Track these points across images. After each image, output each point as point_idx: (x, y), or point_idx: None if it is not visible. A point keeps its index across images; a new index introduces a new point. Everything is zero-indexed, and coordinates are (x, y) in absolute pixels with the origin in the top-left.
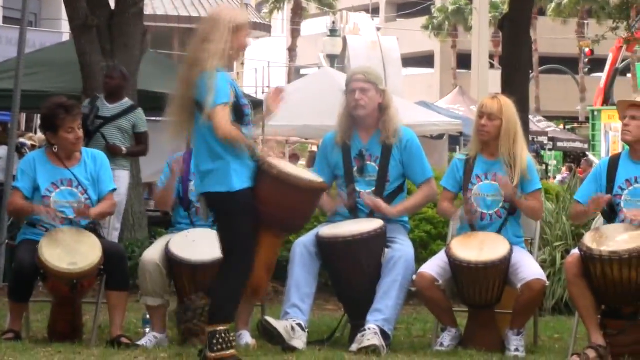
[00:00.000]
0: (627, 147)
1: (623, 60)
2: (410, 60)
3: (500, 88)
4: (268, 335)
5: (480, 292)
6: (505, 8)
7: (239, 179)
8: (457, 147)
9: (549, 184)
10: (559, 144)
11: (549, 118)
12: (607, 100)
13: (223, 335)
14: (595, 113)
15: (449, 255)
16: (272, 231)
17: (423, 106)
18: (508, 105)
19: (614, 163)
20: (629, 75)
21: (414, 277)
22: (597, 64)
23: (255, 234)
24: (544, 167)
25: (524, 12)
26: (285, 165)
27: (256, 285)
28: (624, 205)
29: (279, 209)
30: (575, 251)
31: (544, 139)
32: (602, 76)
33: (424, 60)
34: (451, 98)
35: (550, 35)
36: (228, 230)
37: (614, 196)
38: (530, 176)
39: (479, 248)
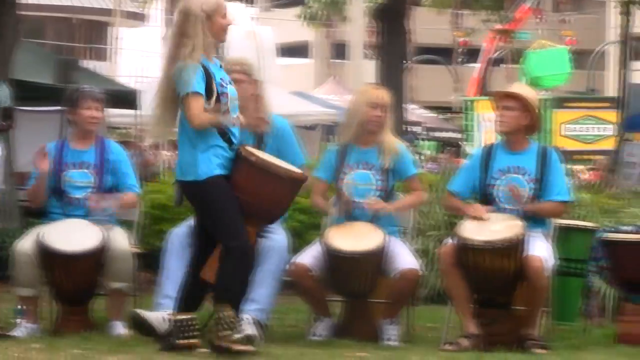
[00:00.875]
0: (500, 137)
1: (497, 51)
2: (286, 50)
3: (375, 78)
4: (139, 328)
5: (355, 282)
6: None
7: (207, 167)
8: (332, 136)
9: (423, 174)
10: (434, 134)
11: (424, 107)
12: (481, 90)
13: (229, 320)
14: (469, 103)
15: (324, 245)
16: (248, 220)
17: (299, 96)
18: (390, 95)
19: (488, 153)
20: (503, 65)
21: (289, 266)
22: (471, 54)
23: (238, 214)
24: (417, 156)
25: (399, 2)
26: (264, 155)
27: (209, 265)
28: (500, 195)
29: (256, 198)
30: (450, 240)
31: (419, 129)
32: (477, 66)
33: (300, 50)
34: (327, 88)
35: (426, 25)
36: (205, 220)
37: (488, 186)
38: (405, 161)
39: (354, 238)
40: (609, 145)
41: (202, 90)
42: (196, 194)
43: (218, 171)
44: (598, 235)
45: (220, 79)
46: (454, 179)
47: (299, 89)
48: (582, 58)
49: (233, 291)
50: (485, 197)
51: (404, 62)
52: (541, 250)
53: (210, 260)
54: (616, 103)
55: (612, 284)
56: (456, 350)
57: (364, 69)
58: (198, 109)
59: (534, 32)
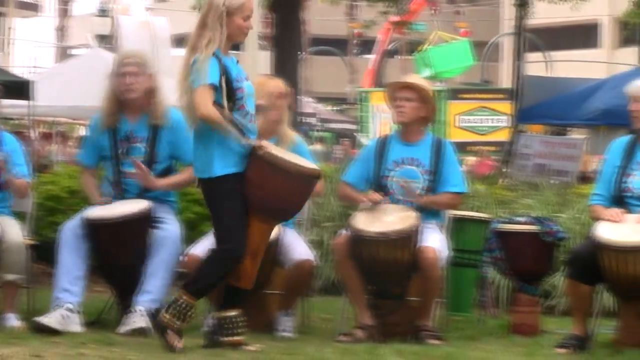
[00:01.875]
0: (395, 128)
1: (392, 42)
2: (181, 41)
3: (270, 69)
4: (43, 331)
5: None
6: None
7: (221, 165)
8: None
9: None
10: (328, 125)
11: (319, 99)
12: (376, 81)
13: (184, 305)
14: (365, 94)
15: None
16: (260, 217)
17: None
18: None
19: (383, 144)
20: (397, 57)
21: (182, 258)
22: (366, 45)
23: (243, 221)
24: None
25: None
26: (277, 150)
27: (242, 271)
28: (395, 186)
29: (268, 194)
30: (344, 232)
31: (314, 120)
32: (372, 58)
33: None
34: None
35: (321, 16)
36: (215, 216)
37: (382, 177)
38: (303, 154)
39: None
40: (503, 136)
41: (216, 83)
42: (209, 191)
43: (233, 169)
44: (492, 226)
45: (237, 74)
46: (348, 170)
47: None
48: (476, 49)
49: (200, 287)
50: (380, 189)
51: (299, 53)
52: (435, 241)
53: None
54: (510, 95)
55: (506, 274)
56: (351, 342)
57: (259, 60)
58: (206, 98)
59: (429, 24)
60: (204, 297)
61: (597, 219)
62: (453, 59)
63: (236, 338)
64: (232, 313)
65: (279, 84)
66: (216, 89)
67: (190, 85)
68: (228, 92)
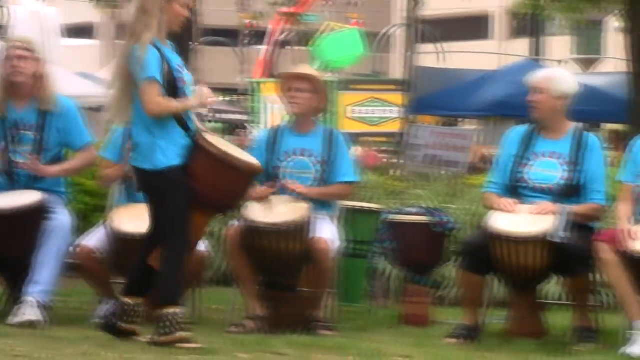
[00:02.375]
0: (287, 119)
1: (284, 33)
2: (71, 31)
3: None
4: None
5: None
6: None
7: (165, 157)
8: None
9: None
10: (220, 116)
11: (212, 89)
12: (267, 72)
13: (171, 318)
14: (256, 85)
15: (109, 226)
16: (202, 210)
17: (83, 77)
18: None
19: (274, 135)
20: (289, 47)
21: (73, 248)
22: (258, 36)
23: (188, 212)
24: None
25: None
26: (222, 144)
27: None
28: (287, 177)
29: (212, 188)
30: (236, 223)
31: (204, 111)
32: (263, 48)
33: (85, 30)
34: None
35: (212, 7)
36: (157, 209)
37: (274, 168)
38: None
39: (139, 219)
40: (395, 127)
41: (159, 76)
42: (151, 183)
43: (177, 161)
44: (383, 217)
45: (177, 64)
46: None
47: (85, 70)
48: (368, 40)
49: (174, 292)
50: (272, 179)
51: (190, 43)
52: (327, 232)
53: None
54: (402, 86)
55: (396, 265)
56: (242, 332)
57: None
58: (155, 95)
59: (321, 15)
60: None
61: (489, 207)
62: (343, 48)
63: (133, 326)
64: (136, 301)
65: None
66: (157, 81)
67: (131, 74)
68: (169, 82)
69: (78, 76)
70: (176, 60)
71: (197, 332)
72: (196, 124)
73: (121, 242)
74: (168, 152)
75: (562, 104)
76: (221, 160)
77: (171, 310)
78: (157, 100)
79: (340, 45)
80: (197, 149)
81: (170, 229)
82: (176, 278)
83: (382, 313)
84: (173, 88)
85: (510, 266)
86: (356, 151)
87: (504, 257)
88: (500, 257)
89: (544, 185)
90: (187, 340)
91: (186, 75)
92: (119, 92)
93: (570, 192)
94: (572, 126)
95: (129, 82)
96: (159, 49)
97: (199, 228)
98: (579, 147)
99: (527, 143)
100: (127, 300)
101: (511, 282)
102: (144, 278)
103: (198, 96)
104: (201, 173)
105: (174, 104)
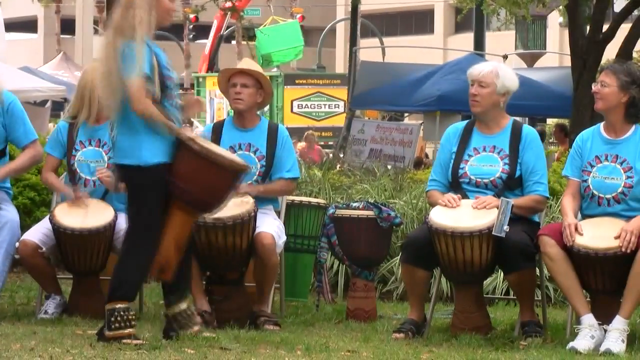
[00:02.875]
0: (232, 114)
1: (228, 28)
2: (14, 25)
3: None
4: None
5: (84, 259)
6: None
7: (151, 153)
8: (61, 112)
9: None
10: None
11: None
12: (212, 67)
13: (122, 313)
14: (200, 80)
15: (53, 222)
16: (186, 209)
17: (26, 72)
18: None
19: (218, 129)
20: (233, 42)
21: (18, 244)
22: (201, 30)
23: (162, 212)
24: None
25: None
26: (207, 143)
27: (165, 263)
28: None
29: (197, 187)
30: None
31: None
32: (207, 43)
33: (27, 25)
34: (55, 64)
35: None
36: (134, 205)
37: None
38: None
39: (84, 215)
40: (339, 122)
41: (149, 72)
42: (134, 178)
43: (162, 158)
44: (329, 211)
45: (165, 62)
46: None
47: (27, 65)
48: (312, 35)
49: (129, 288)
50: None
51: None
52: (271, 227)
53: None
54: (346, 80)
55: (342, 260)
56: None
57: (94, 45)
58: (142, 92)
59: (264, 9)
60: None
61: (434, 204)
62: (282, 41)
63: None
64: (183, 306)
65: None
66: (148, 78)
67: (119, 71)
68: (159, 80)
69: (20, 71)
70: (164, 58)
71: (144, 327)
72: (180, 121)
73: (65, 237)
74: (154, 149)
75: (504, 99)
76: (205, 157)
77: (122, 305)
78: (144, 101)
79: (279, 38)
80: (181, 147)
81: (143, 226)
82: (134, 275)
83: (328, 308)
84: (161, 86)
85: (454, 261)
86: (299, 146)
87: (448, 252)
88: (444, 252)
89: (485, 180)
90: (135, 337)
91: (173, 74)
92: (111, 89)
93: (511, 185)
94: (509, 120)
95: (116, 74)
96: (149, 46)
97: (184, 227)
98: (517, 140)
99: (466, 139)
100: (176, 310)
101: (454, 276)
102: (176, 283)
103: (185, 128)
104: (185, 171)
105: (160, 116)
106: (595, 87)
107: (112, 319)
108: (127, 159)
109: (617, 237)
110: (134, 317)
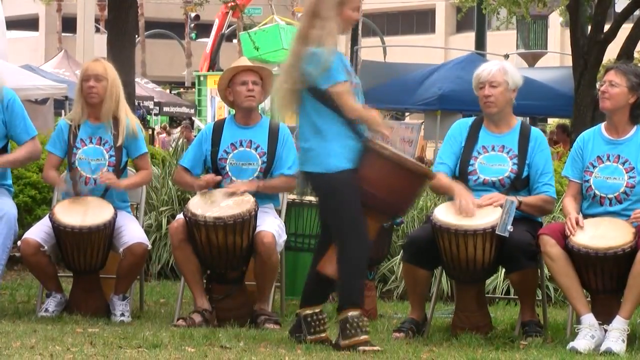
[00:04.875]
0: (232, 112)
1: (229, 26)
2: (15, 23)
3: (106, 52)
4: None
5: (84, 257)
6: None
7: (337, 160)
8: (62, 111)
9: (155, 149)
10: (166, 109)
11: (156, 83)
12: (213, 65)
13: (355, 320)
14: (202, 78)
15: (53, 220)
16: (373, 214)
17: (28, 70)
18: (111, 67)
19: (219, 128)
20: (235, 41)
21: (20, 243)
22: (203, 29)
23: (362, 214)
24: (150, 132)
25: None
26: (395, 148)
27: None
28: (232, 168)
29: (384, 191)
30: (180, 216)
31: (150, 104)
32: (208, 41)
33: (29, 23)
34: (56, 62)
35: (158, 0)
36: (331, 213)
37: (219, 160)
38: (137, 140)
39: (83, 213)
40: None
41: (347, 79)
42: (323, 186)
43: (348, 165)
44: None
45: (350, 68)
46: (185, 154)
47: (28, 63)
48: None
49: (355, 294)
50: (217, 172)
51: (135, 36)
52: (272, 225)
53: (329, 253)
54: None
55: None
56: (189, 326)
57: (95, 43)
58: (353, 98)
59: (266, 8)
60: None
61: (437, 187)
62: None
63: (321, 335)
64: (315, 310)
65: (95, 65)
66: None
67: (303, 77)
68: None
69: (22, 69)
70: (348, 65)
71: (145, 326)
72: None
73: (65, 235)
74: (340, 156)
75: (514, 95)
76: (396, 163)
77: (353, 312)
78: (355, 103)
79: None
80: (370, 153)
81: (344, 231)
82: (355, 280)
83: (328, 306)
84: None
85: (457, 259)
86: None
87: (451, 250)
88: (447, 250)
89: (493, 179)
90: (369, 343)
91: (355, 80)
92: (286, 93)
93: (517, 185)
94: (518, 120)
95: (299, 84)
96: (339, 57)
97: (369, 233)
98: (525, 141)
99: (474, 136)
100: (308, 311)
101: (456, 275)
102: (319, 286)
103: (383, 121)
104: (375, 176)
105: (367, 113)
106: (603, 87)
107: (347, 326)
108: (313, 166)
109: (619, 237)
110: (366, 323)
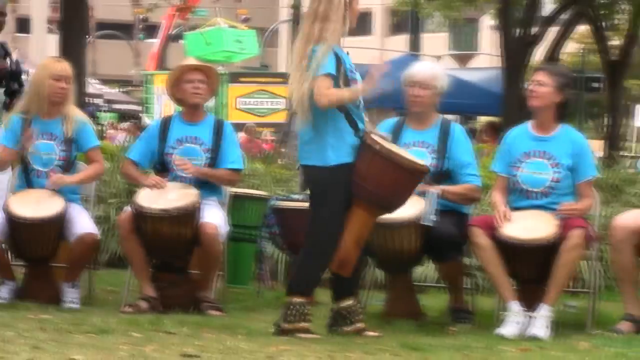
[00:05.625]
0: (178, 110)
1: (176, 27)
2: None
3: (58, 52)
4: None
5: (36, 247)
6: None
7: (336, 154)
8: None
9: (105, 144)
10: (115, 106)
11: (106, 81)
12: (160, 65)
13: (298, 307)
14: (149, 77)
15: (7, 212)
16: (367, 207)
17: None
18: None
19: (166, 124)
20: (181, 41)
21: None
22: (151, 30)
23: (345, 213)
24: (100, 128)
25: None
26: (389, 144)
27: (344, 258)
28: (175, 164)
29: (378, 186)
30: (128, 208)
31: (100, 101)
32: (156, 42)
33: None
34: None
35: (107, 2)
36: (318, 204)
37: (165, 154)
38: (87, 134)
39: (35, 204)
40: (281, 118)
41: (334, 72)
42: (320, 179)
43: (347, 159)
44: (270, 203)
45: (350, 65)
46: (133, 147)
47: None
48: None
49: (307, 283)
50: (163, 166)
51: (86, 36)
52: (215, 217)
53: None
54: (287, 79)
55: (283, 249)
56: (135, 312)
57: (47, 43)
58: (326, 87)
59: (211, 10)
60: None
61: None
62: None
63: (358, 325)
64: (349, 302)
65: (64, 66)
66: (334, 78)
67: (309, 75)
68: (344, 82)
69: None
70: (349, 62)
71: (94, 312)
72: (366, 123)
73: (18, 226)
74: (338, 150)
75: (439, 99)
76: (388, 158)
77: (299, 299)
78: (326, 92)
79: (203, 44)
80: (365, 148)
81: (324, 228)
82: (315, 273)
83: (269, 294)
84: (346, 87)
85: (385, 250)
86: (240, 136)
87: (379, 242)
88: (376, 243)
89: None
90: (308, 331)
91: (358, 77)
92: (303, 94)
93: (439, 179)
94: (439, 117)
95: (307, 84)
96: (335, 52)
97: (365, 225)
98: (445, 136)
99: (397, 134)
100: (342, 304)
101: (387, 266)
102: (343, 281)
103: (367, 80)
104: (369, 171)
105: (344, 92)
106: (531, 86)
107: (289, 312)
108: (312, 160)
109: (544, 229)
110: (309, 312)
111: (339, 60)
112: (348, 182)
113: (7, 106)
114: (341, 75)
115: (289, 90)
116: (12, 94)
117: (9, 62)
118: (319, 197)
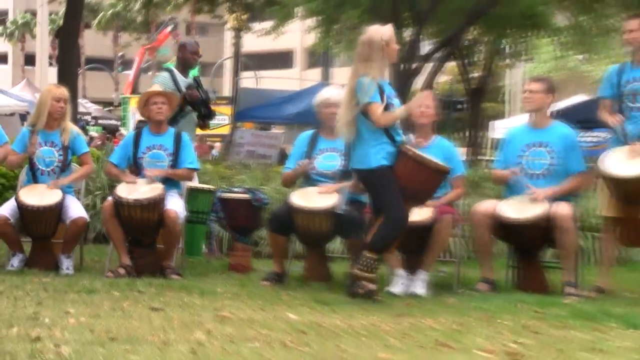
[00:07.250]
0: (149, 124)
1: (146, 62)
2: None
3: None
4: None
5: (40, 227)
6: (60, 23)
7: (375, 159)
8: (24, 122)
9: (92, 149)
10: (100, 121)
11: (93, 102)
12: (134, 90)
13: (370, 261)
14: (126, 99)
15: (18, 201)
16: (405, 202)
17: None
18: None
19: (138, 135)
20: (149, 72)
21: None
22: (127, 63)
23: (400, 195)
24: (88, 137)
25: (73, 26)
26: (419, 152)
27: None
28: (147, 165)
29: (411, 184)
30: (110, 198)
31: (89, 118)
32: (131, 73)
33: (0, 58)
34: (21, 87)
35: (94, 42)
36: (377, 197)
37: (138, 158)
38: (79, 142)
39: (40, 195)
40: (225, 131)
41: (379, 100)
42: (367, 179)
43: (384, 162)
44: (217, 194)
45: (389, 93)
46: (114, 153)
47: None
48: (206, 68)
49: (380, 247)
50: (137, 167)
51: (77, 69)
52: (176, 205)
53: (373, 229)
54: (230, 101)
55: (226, 229)
56: (115, 277)
57: (49, 74)
58: (380, 113)
59: (173, 48)
60: (382, 253)
61: (290, 178)
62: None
63: (368, 275)
64: (372, 255)
65: (62, 91)
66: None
67: (356, 103)
68: (385, 108)
69: None
70: (390, 92)
71: (84, 277)
72: (402, 136)
73: (27, 211)
74: (377, 155)
75: None
76: (418, 161)
77: (372, 255)
78: (381, 116)
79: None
80: (400, 155)
81: (390, 206)
82: (386, 237)
83: (216, 263)
84: (386, 110)
85: (307, 230)
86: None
87: (302, 224)
88: (300, 224)
89: (328, 172)
90: (373, 281)
91: (396, 102)
92: (349, 117)
93: (347, 176)
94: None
95: (354, 109)
96: (379, 84)
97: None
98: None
99: (313, 143)
100: (369, 254)
101: (306, 241)
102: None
103: (409, 105)
104: (403, 173)
105: (395, 115)
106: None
107: (362, 261)
108: (360, 164)
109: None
110: (377, 267)
111: (381, 90)
112: (390, 175)
113: (201, 126)
114: (384, 102)
115: (338, 113)
116: (203, 117)
117: (200, 93)
118: (371, 191)
